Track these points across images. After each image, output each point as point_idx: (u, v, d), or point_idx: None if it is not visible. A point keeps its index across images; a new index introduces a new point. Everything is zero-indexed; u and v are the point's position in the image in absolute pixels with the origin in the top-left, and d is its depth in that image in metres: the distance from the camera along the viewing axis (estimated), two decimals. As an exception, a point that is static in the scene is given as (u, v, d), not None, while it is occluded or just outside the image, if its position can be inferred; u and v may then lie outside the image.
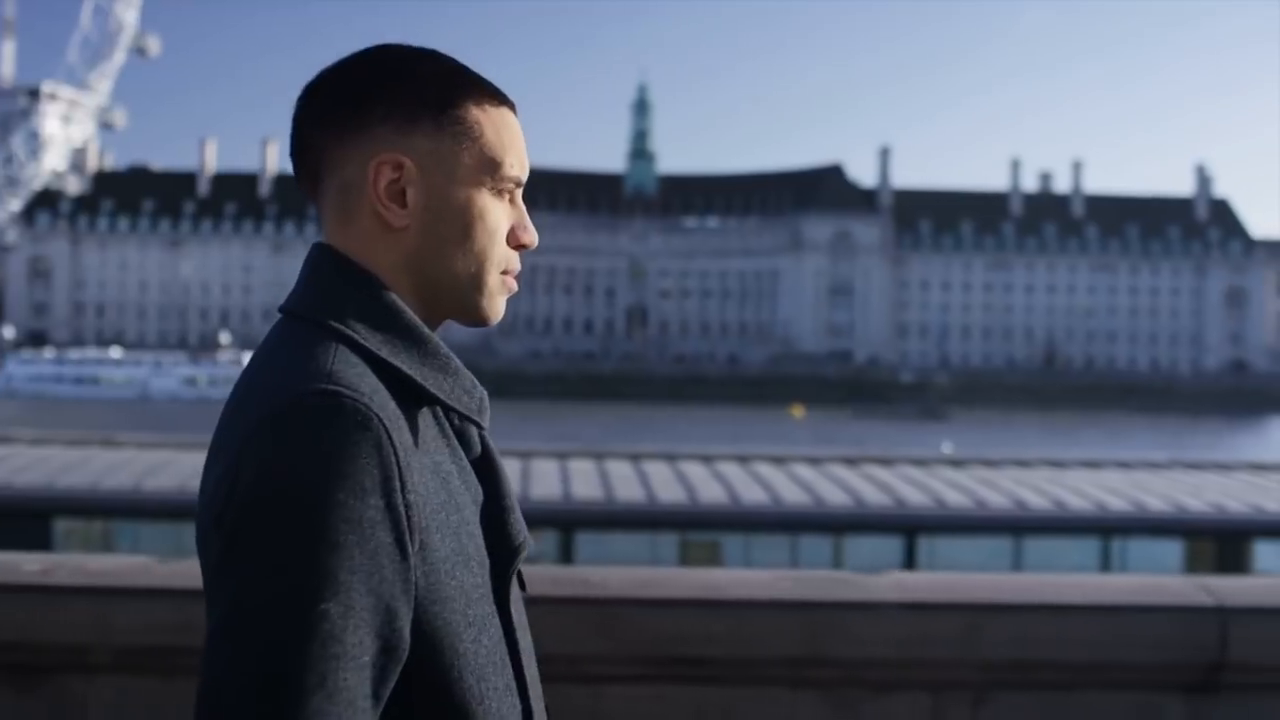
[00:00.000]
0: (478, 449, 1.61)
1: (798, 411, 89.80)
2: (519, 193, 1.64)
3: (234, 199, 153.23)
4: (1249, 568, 17.39)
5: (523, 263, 1.66)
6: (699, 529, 18.29)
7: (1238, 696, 3.30)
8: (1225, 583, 3.56)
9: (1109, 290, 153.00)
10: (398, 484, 1.40)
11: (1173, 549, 18.04)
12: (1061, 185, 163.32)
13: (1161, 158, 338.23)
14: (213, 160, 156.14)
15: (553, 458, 18.87)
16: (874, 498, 16.36)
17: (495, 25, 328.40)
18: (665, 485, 17.61)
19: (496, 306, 1.63)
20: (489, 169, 1.59)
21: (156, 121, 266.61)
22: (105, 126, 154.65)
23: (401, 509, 1.40)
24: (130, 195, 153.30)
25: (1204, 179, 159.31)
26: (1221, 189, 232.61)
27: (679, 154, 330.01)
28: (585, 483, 17.16)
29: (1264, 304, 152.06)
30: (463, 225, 1.58)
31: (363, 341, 1.49)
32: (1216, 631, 3.22)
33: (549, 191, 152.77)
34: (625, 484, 17.21)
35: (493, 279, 1.61)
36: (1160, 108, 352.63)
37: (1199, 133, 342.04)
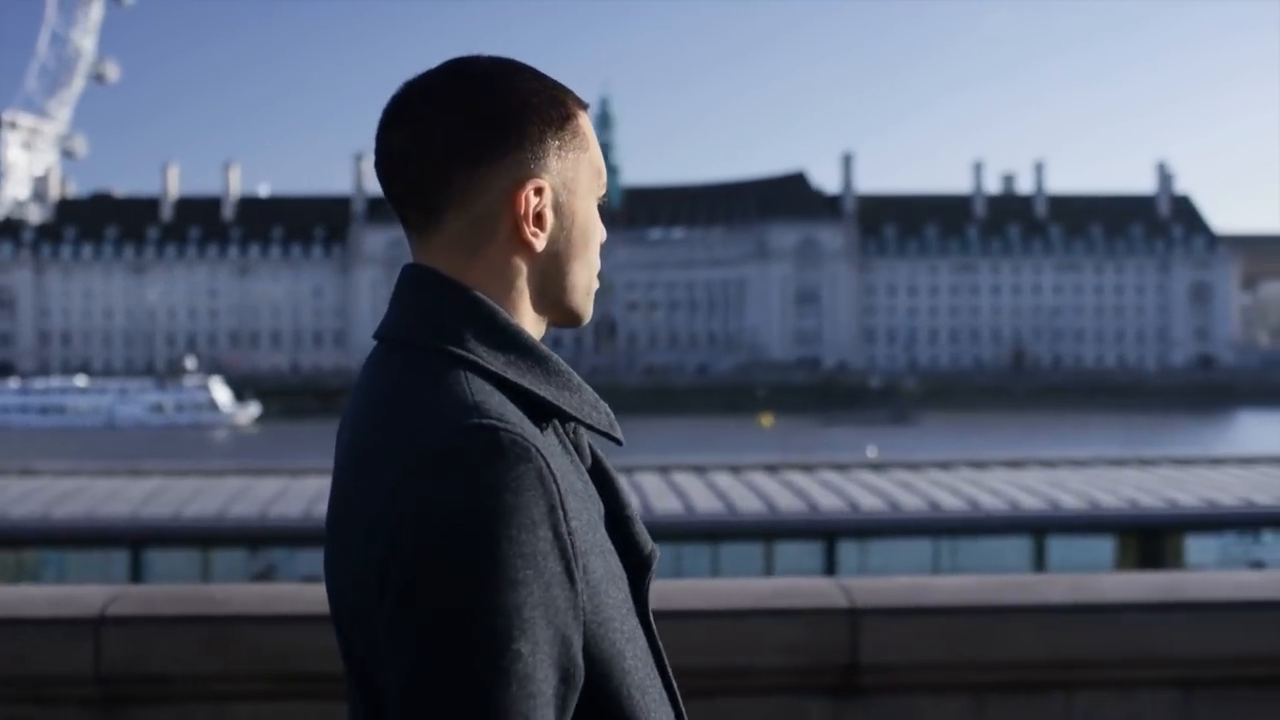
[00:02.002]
0: (589, 460, 1.60)
1: (766, 420, 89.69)
2: None
3: (198, 223, 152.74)
4: (1169, 562, 17.44)
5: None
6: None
7: (878, 698, 3.27)
8: (860, 583, 3.51)
9: (1074, 290, 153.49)
10: (561, 513, 1.38)
11: (1096, 546, 18.10)
12: (1024, 186, 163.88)
13: (1123, 156, 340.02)
14: (175, 185, 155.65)
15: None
16: (790, 504, 16.32)
17: (452, 41, 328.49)
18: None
19: (590, 308, 1.64)
20: (598, 178, 1.61)
21: (118, 148, 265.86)
22: (66, 154, 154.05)
23: (567, 537, 1.38)
24: (93, 222, 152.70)
25: (1165, 176, 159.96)
26: (1183, 185, 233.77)
27: (643, 166, 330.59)
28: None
29: (1228, 299, 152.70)
30: (584, 238, 1.59)
31: (488, 365, 1.47)
32: (848, 633, 3.18)
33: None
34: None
35: (594, 283, 1.63)
36: (1121, 107, 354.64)
37: (1160, 130, 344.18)
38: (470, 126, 1.52)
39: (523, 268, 1.55)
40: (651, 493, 17.03)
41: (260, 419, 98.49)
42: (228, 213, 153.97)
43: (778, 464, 19.55)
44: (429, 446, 1.38)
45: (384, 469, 1.41)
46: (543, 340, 1.59)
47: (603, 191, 1.61)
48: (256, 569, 16.81)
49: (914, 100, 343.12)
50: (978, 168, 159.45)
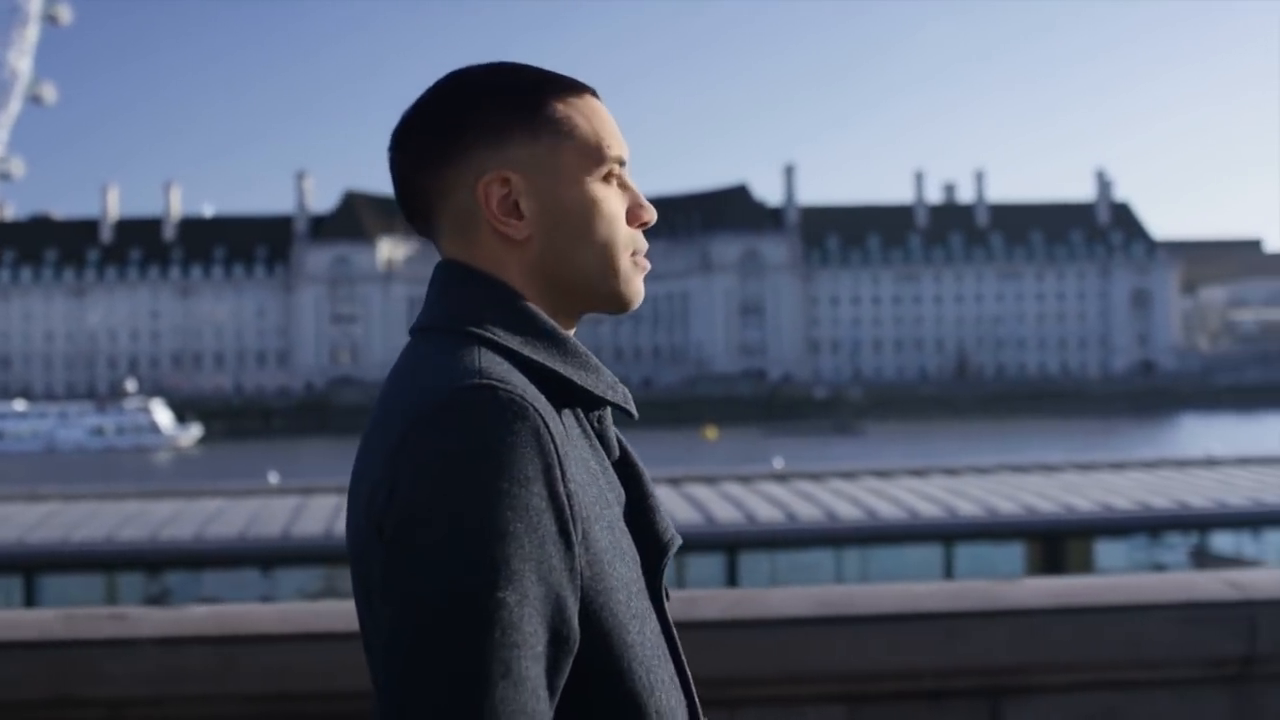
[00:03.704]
0: (617, 452, 1.61)
1: (710, 433, 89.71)
2: (626, 173, 1.65)
3: (138, 244, 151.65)
4: (1074, 567, 17.55)
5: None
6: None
7: None
8: None
9: (1016, 297, 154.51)
10: (558, 473, 1.40)
11: (1003, 552, 18.20)
12: (965, 195, 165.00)
13: (1063, 164, 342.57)
14: (115, 206, 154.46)
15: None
16: (689, 517, 16.31)
17: (385, 52, 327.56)
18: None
19: (634, 289, 1.64)
20: (591, 159, 1.61)
21: (56, 169, 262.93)
22: (3, 177, 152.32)
23: (564, 497, 1.40)
24: (32, 245, 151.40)
25: (1104, 183, 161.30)
26: (1122, 192, 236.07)
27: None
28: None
29: (1168, 304, 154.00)
30: (581, 221, 1.59)
31: (504, 342, 1.51)
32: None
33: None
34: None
35: (624, 264, 1.62)
36: (1059, 114, 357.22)
37: (1098, 137, 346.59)
38: (432, 134, 1.60)
39: (514, 257, 1.59)
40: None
41: (203, 440, 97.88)
42: (169, 233, 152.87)
43: (680, 477, 19.54)
44: (429, 404, 1.42)
45: (389, 431, 1.45)
46: (577, 327, 1.65)
47: (613, 170, 1.62)
48: (152, 592, 16.66)
49: (855, 111, 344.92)
50: (919, 177, 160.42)
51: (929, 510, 16.59)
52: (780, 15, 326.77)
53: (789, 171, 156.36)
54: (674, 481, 19.01)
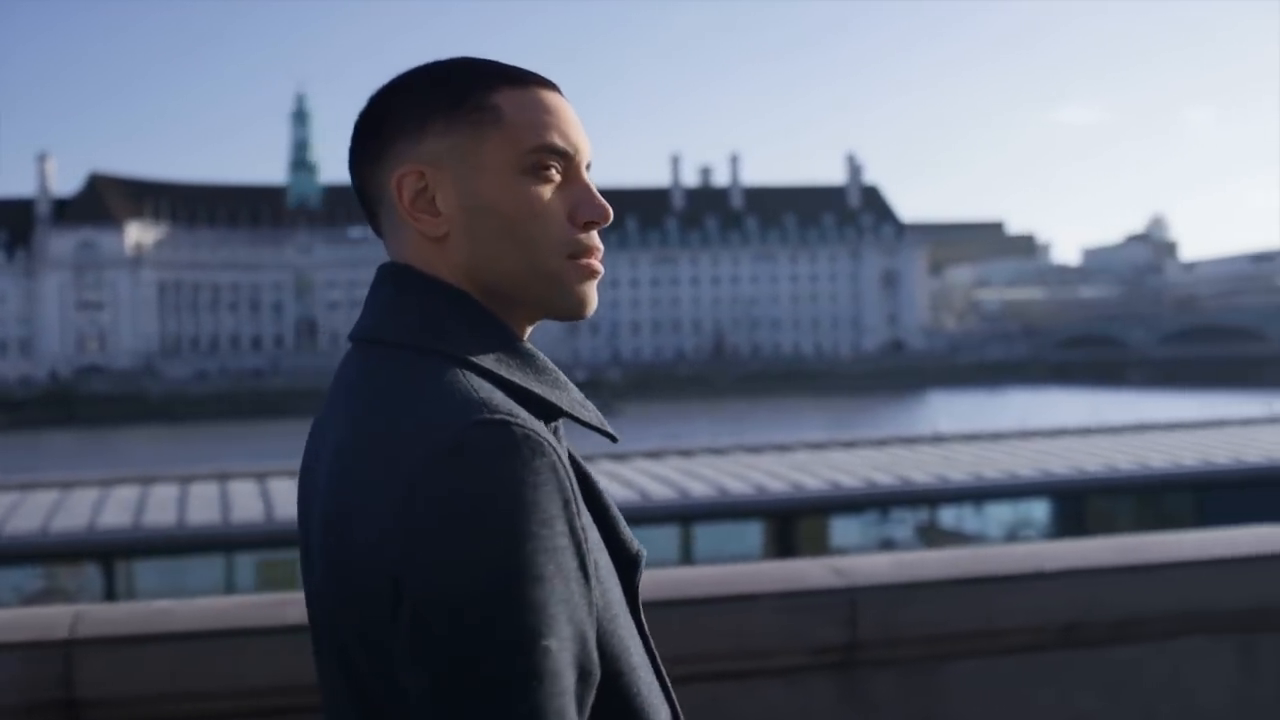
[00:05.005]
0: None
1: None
2: (578, 169, 1.53)
3: None
4: (811, 546, 17.82)
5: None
6: (279, 547, 17.76)
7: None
8: (92, 609, 3.32)
9: (770, 279, 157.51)
10: (575, 508, 1.34)
11: (743, 531, 18.39)
12: (721, 179, 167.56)
13: (815, 148, 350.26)
14: None
15: (95, 486, 18.12)
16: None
17: (142, 36, 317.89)
18: (215, 504, 17.03)
19: (577, 295, 1.51)
20: (519, 152, 1.49)
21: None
22: None
23: (581, 532, 1.35)
24: None
25: (855, 167, 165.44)
26: (872, 176, 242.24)
27: (342, 164, 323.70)
28: (123, 509, 16.48)
29: (915, 285, 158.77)
30: (502, 218, 1.48)
31: (478, 362, 1.43)
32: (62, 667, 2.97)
33: (209, 206, 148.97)
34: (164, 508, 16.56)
35: (555, 266, 1.49)
36: (812, 99, 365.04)
37: (850, 122, 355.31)
38: (362, 132, 1.53)
39: (440, 258, 1.50)
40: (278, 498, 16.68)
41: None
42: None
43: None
44: (439, 444, 1.32)
45: (388, 469, 1.35)
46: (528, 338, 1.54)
47: (548, 164, 1.49)
48: None
49: (612, 95, 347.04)
50: (675, 160, 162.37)
51: (662, 492, 16.69)
52: (550, 5, 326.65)
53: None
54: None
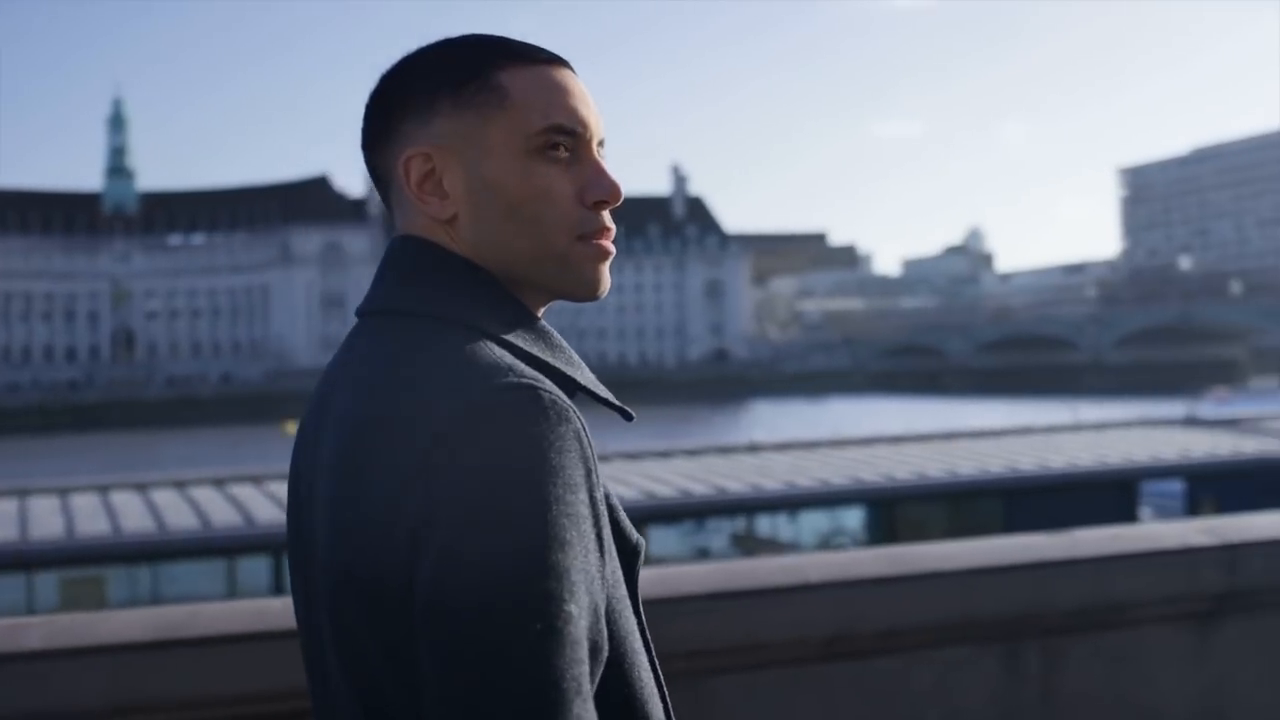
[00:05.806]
0: None
1: (291, 427, 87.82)
2: (588, 147, 1.51)
3: None
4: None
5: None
6: (82, 564, 17.29)
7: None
8: None
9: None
10: (596, 478, 1.33)
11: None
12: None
13: (639, 158, 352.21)
14: None
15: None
16: (185, 522, 15.96)
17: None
18: (14, 522, 16.54)
19: (588, 276, 1.50)
20: (525, 134, 1.47)
21: None
22: None
23: (601, 503, 1.33)
24: None
25: (680, 178, 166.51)
26: (697, 188, 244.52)
27: (160, 170, 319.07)
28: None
29: (739, 295, 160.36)
30: (509, 198, 1.47)
31: (502, 335, 1.41)
32: None
33: (20, 213, 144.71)
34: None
35: (564, 248, 1.48)
36: (639, 110, 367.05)
37: (674, 134, 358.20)
38: (371, 115, 1.53)
39: (449, 237, 1.49)
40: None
41: None
42: None
43: (260, 475, 19.21)
44: (465, 405, 1.30)
45: (411, 426, 1.31)
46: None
47: (557, 143, 1.48)
48: None
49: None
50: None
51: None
52: (351, 6, 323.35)
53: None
54: (255, 480, 18.59)
